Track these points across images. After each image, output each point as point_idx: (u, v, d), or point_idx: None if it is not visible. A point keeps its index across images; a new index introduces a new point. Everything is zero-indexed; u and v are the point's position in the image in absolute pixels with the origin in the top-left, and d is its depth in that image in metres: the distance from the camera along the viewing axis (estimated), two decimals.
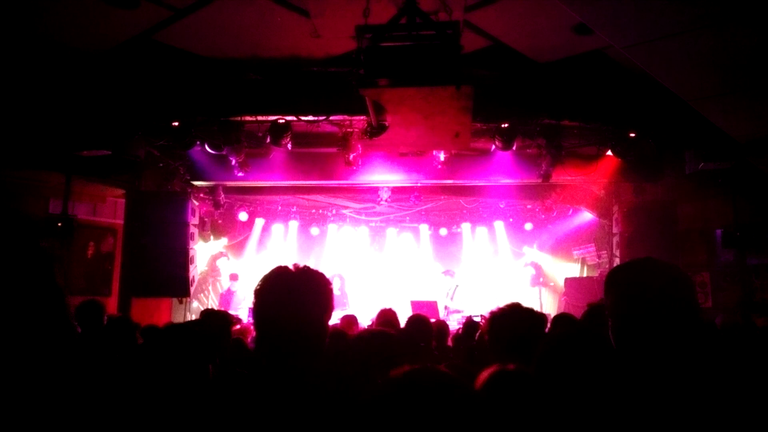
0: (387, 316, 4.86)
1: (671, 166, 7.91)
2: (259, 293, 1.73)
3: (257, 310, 1.73)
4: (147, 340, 3.15)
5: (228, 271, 10.83)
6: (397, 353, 2.07)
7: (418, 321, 4.40)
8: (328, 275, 1.84)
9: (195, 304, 10.46)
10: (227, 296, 9.92)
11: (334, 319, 8.77)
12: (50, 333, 1.61)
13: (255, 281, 1.79)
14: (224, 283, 10.96)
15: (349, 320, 5.95)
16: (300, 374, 1.62)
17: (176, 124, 7.23)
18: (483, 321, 6.90)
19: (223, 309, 8.57)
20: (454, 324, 7.76)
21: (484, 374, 1.55)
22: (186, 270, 8.12)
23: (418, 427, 0.87)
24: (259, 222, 11.38)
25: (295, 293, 1.68)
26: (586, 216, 10.25)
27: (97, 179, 8.18)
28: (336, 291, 9.39)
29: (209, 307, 10.11)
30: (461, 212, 11.89)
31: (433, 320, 4.96)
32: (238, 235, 11.55)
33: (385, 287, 11.73)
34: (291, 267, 1.77)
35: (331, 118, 7.18)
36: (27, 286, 1.56)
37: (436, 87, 3.96)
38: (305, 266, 1.78)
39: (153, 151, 7.87)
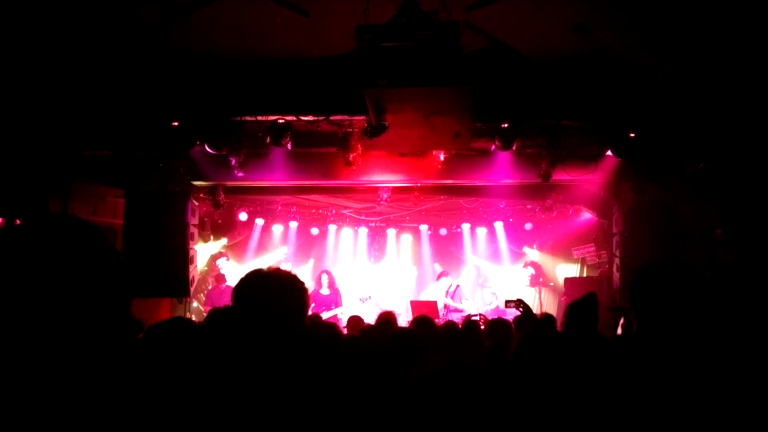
0: (387, 318, 4.97)
1: (671, 166, 7.90)
2: (235, 293, 1.90)
3: (235, 308, 1.89)
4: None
5: (228, 271, 10.81)
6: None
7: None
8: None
9: (195, 304, 10.46)
10: (216, 294, 9.87)
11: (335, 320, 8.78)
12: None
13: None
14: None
15: (356, 321, 5.99)
16: (271, 364, 1.76)
17: (176, 124, 7.22)
18: (481, 320, 6.90)
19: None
20: None
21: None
22: (186, 270, 8.10)
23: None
24: (259, 222, 11.37)
25: (268, 293, 1.86)
26: (586, 216, 10.24)
27: (97, 179, 8.17)
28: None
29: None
30: (461, 212, 11.86)
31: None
32: (238, 235, 11.54)
33: (384, 287, 11.72)
34: (265, 269, 2.00)
35: (331, 118, 7.17)
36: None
37: (436, 87, 3.97)
38: (278, 269, 2.03)
39: (153, 151, 7.86)
